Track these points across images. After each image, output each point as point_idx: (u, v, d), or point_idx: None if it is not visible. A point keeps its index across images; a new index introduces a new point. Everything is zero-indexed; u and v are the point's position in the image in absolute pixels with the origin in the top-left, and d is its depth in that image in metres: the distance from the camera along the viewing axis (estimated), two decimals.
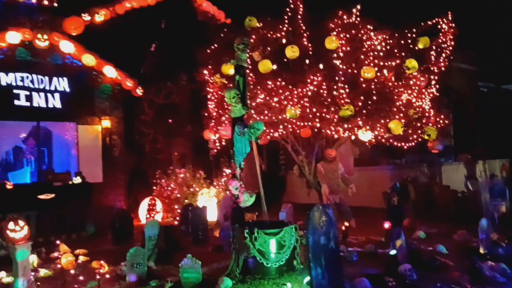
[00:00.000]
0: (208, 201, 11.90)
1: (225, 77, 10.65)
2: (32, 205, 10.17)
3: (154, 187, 12.95)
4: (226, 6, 15.38)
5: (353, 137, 10.85)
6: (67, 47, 11.45)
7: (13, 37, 10.65)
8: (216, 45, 11.17)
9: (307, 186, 12.17)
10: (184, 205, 11.05)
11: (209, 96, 11.56)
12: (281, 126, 10.70)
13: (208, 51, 11.23)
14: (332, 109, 9.85)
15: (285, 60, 10.08)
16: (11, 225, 6.33)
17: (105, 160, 12.46)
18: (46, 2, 14.13)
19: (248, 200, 6.79)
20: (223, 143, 11.96)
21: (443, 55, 10.88)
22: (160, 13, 14.49)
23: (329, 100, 9.94)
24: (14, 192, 10.42)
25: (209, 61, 11.22)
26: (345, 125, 10.03)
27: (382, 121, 9.87)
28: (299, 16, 10.49)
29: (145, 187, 13.48)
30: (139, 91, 12.83)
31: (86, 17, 12.43)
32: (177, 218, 11.62)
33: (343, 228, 8.61)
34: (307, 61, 10.10)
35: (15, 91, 11.01)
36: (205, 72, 11.43)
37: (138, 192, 13.35)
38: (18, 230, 6.33)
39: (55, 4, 14.24)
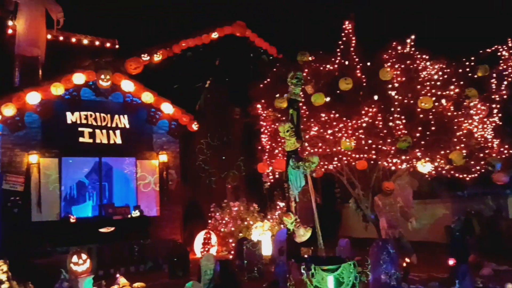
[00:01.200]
0: (262, 235, 11.81)
1: (278, 111, 10.74)
2: (93, 239, 10.53)
3: (209, 221, 13.05)
4: (278, 42, 15.69)
5: (411, 169, 10.52)
6: (127, 86, 12.02)
7: (79, 78, 11.33)
8: (268, 80, 11.35)
9: (364, 219, 11.84)
10: (238, 239, 11.03)
11: (262, 130, 11.67)
12: (335, 159, 10.57)
13: (261, 85, 11.42)
14: (389, 140, 9.64)
15: (338, 92, 10.05)
16: (74, 258, 6.57)
17: (162, 193, 12.75)
18: (108, 45, 15.14)
19: (303, 235, 6.68)
20: (277, 176, 11.95)
21: (505, 82, 10.45)
22: (214, 51, 15.00)
23: (385, 131, 9.75)
24: (77, 225, 10.88)
25: (262, 96, 11.38)
26: (403, 157, 9.77)
27: (442, 152, 9.52)
28: (352, 48, 10.49)
29: (200, 220, 13.61)
30: (195, 126, 13.17)
31: (145, 57, 13.10)
32: (232, 252, 11.61)
33: (404, 264, 8.24)
34: (361, 93, 10.01)
35: (79, 128, 11.62)
36: (258, 106, 11.60)
37: (193, 225, 13.49)
38: (81, 264, 6.56)
39: (117, 46, 15.25)
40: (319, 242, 6.88)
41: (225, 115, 15.10)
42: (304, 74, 9.72)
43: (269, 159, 11.47)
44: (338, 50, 10.59)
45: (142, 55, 13.24)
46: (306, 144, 9.67)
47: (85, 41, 14.83)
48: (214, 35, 14.98)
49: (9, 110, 10.39)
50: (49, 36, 13.86)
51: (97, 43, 15.01)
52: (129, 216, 11.62)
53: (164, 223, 12.53)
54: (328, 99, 9.94)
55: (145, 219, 11.82)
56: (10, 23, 13.25)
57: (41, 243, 9.90)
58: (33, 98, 10.70)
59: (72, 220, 10.91)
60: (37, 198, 10.78)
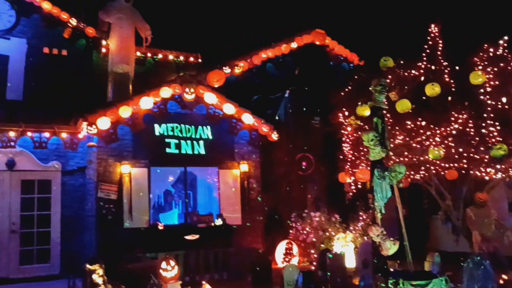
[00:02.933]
0: (345, 246, 11.55)
1: (360, 119, 10.50)
2: (179, 245, 10.94)
3: (290, 230, 13.02)
4: (359, 48, 15.40)
5: (507, 179, 9.76)
6: (210, 98, 12.41)
7: (166, 92, 11.90)
8: (350, 88, 11.14)
9: (454, 232, 11.16)
10: (320, 250, 10.87)
11: (343, 139, 11.46)
12: (423, 168, 10.09)
13: (342, 93, 11.24)
14: (481, 148, 9.03)
15: (425, 98, 9.61)
16: (163, 264, 6.86)
17: (243, 203, 12.95)
18: (192, 59, 15.78)
19: (391, 248, 6.43)
20: (359, 186, 11.65)
21: None
22: (293, 60, 15.05)
23: (477, 139, 9.16)
24: (165, 232, 11.36)
25: (344, 104, 11.20)
26: (498, 166, 9.09)
27: None
28: (439, 52, 10.01)
29: (280, 230, 13.62)
30: (274, 136, 13.26)
31: (227, 69, 13.47)
32: (314, 263, 11.46)
33: (501, 281, 7.63)
34: (449, 98, 9.50)
35: (166, 140, 12.17)
36: (340, 114, 11.42)
37: (274, 235, 13.53)
38: (169, 270, 6.83)
39: (199, 60, 15.84)
40: (408, 256, 6.59)
41: (305, 124, 15.03)
42: (388, 80, 9.42)
43: (351, 168, 11.22)
44: (424, 54, 10.16)
45: (224, 68, 13.63)
46: (392, 153, 9.32)
47: (171, 57, 15.58)
48: (293, 44, 15.04)
49: (104, 124, 11.15)
50: (138, 53, 14.78)
51: (181, 58, 15.71)
52: (212, 224, 11.95)
53: (246, 232, 12.70)
54: (413, 105, 9.54)
55: (228, 228, 12.06)
56: (104, 42, 14.26)
57: (132, 249, 10.45)
58: (125, 112, 11.39)
59: (160, 227, 11.43)
60: (128, 206, 11.42)
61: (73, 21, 13.82)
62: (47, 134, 11.66)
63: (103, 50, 14.33)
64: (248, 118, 12.84)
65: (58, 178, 11.75)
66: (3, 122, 11.35)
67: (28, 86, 13.33)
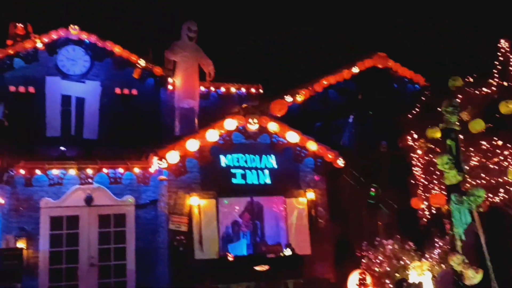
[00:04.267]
0: (421, 275, 10.95)
1: (431, 141, 10.11)
2: (249, 276, 10.92)
3: (362, 260, 12.58)
4: (423, 69, 15.01)
5: None
6: (273, 127, 12.53)
7: (230, 124, 12.16)
8: (417, 109, 10.82)
9: None
10: (396, 280, 10.40)
11: (414, 162, 11.06)
12: (502, 190, 9.48)
13: (410, 116, 10.93)
14: None
15: (499, 116, 9.11)
16: None
17: (312, 231, 12.75)
18: (253, 90, 16.10)
19: (474, 277, 6.05)
20: (433, 212, 11.11)
21: None
22: (356, 85, 14.92)
23: None
24: (234, 263, 11.37)
25: (412, 126, 10.87)
26: None
27: None
28: (511, 68, 9.51)
29: (351, 259, 13.20)
30: (340, 162, 13.06)
31: (289, 98, 13.59)
32: None
33: None
34: None
35: (232, 170, 12.36)
36: (408, 137, 11.07)
37: (344, 265, 13.12)
38: None
39: (261, 91, 16.13)
40: (493, 286, 6.15)
41: (372, 149, 14.69)
42: (458, 100, 9.04)
43: (424, 193, 10.76)
44: (494, 71, 9.69)
45: (285, 97, 13.75)
46: (467, 176, 8.85)
47: (233, 89, 15.98)
48: (355, 69, 14.94)
49: (173, 158, 11.54)
50: (202, 88, 15.30)
51: (243, 89, 16.08)
52: (281, 254, 11.82)
53: (315, 262, 12.44)
54: (488, 124, 9.06)
55: (297, 257, 11.87)
56: (170, 80, 14.93)
57: (204, 280, 10.57)
58: (192, 145, 11.75)
59: (230, 258, 11.47)
60: (199, 237, 11.62)
61: (142, 62, 14.63)
62: (121, 170, 12.22)
63: (170, 87, 14.98)
64: (312, 145, 12.78)
65: (132, 212, 12.23)
66: (81, 160, 12.05)
67: (102, 125, 14.20)
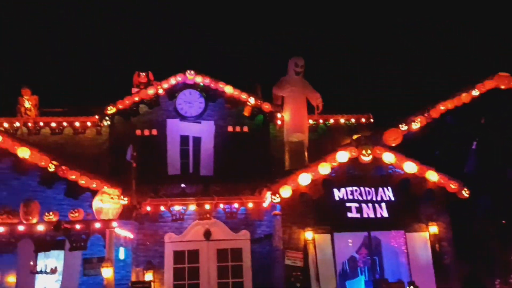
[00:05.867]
0: None
1: None
2: None
3: None
4: None
5: None
6: (388, 158, 12.04)
7: (343, 156, 11.94)
8: None
9: None
10: None
11: None
12: None
13: None
14: None
15: None
16: None
17: (436, 269, 11.82)
18: (363, 120, 15.75)
19: None
20: None
21: None
22: (476, 109, 13.86)
23: None
24: None
25: None
26: None
27: None
28: None
29: None
30: (465, 193, 12.07)
31: (403, 127, 13.01)
32: None
33: None
34: None
35: (347, 204, 12.04)
36: None
37: None
38: None
39: (371, 120, 15.72)
40: None
41: (499, 177, 13.40)
42: None
43: None
44: None
45: (400, 125, 13.18)
46: None
47: (342, 120, 15.81)
48: (475, 92, 13.91)
49: (286, 192, 11.58)
50: (310, 121, 15.34)
51: (352, 120, 15.82)
52: None
53: None
54: None
55: None
56: (279, 115, 15.20)
57: None
58: (304, 179, 11.71)
59: None
60: (315, 273, 11.38)
61: (252, 100, 15.13)
62: (236, 205, 12.56)
63: (279, 122, 15.25)
64: (432, 176, 12.01)
65: (247, 246, 12.43)
66: (199, 196, 12.62)
67: (217, 162, 14.83)
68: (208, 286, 12.01)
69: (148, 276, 11.77)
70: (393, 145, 12.77)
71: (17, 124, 14.55)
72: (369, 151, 11.93)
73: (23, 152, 11.48)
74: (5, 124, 14.44)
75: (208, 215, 12.44)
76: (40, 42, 30.11)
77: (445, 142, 13.59)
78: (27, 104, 14.92)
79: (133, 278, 11.73)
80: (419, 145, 12.90)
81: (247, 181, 13.32)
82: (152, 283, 11.59)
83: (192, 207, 12.41)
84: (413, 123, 13.02)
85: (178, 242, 12.33)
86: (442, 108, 13.45)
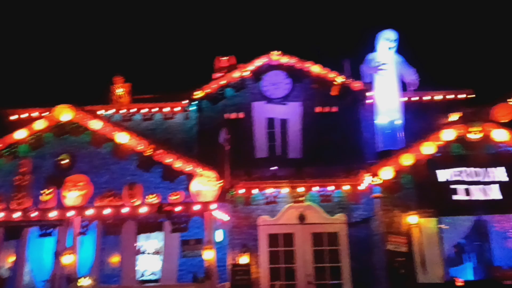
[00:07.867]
0: None
1: None
2: None
3: None
4: None
5: None
6: (500, 135, 11.02)
7: (448, 134, 11.10)
8: None
9: None
10: None
11: None
12: None
13: None
14: None
15: None
16: None
17: None
18: (462, 96, 14.55)
19: None
20: None
21: None
22: None
23: None
24: None
25: None
26: None
27: None
28: None
29: None
30: None
31: None
32: None
33: None
34: None
35: (452, 186, 11.19)
36: None
37: None
38: None
39: (473, 95, 14.49)
40: None
41: None
42: None
43: None
44: None
45: (509, 100, 12.03)
46: None
47: (439, 97, 14.73)
48: None
49: (387, 174, 10.98)
50: (404, 99, 14.42)
51: (450, 96, 14.70)
52: None
53: None
54: None
55: None
56: (368, 94, 14.43)
57: None
58: (406, 160, 11.03)
59: (459, 284, 10.30)
60: (421, 259, 10.72)
61: (339, 79, 14.50)
62: (330, 188, 12.12)
63: (369, 101, 14.48)
64: None
65: (344, 230, 11.97)
66: (291, 179, 12.29)
67: (305, 144, 14.38)
68: (304, 270, 11.72)
69: (244, 259, 11.68)
70: (503, 121, 11.66)
71: (112, 111, 14.96)
72: (479, 128, 10.95)
73: (123, 137, 11.72)
74: (100, 112, 14.89)
75: (301, 198, 12.12)
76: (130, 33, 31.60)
77: None
78: (120, 91, 15.30)
79: (230, 261, 11.69)
80: None
81: (339, 163, 12.80)
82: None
83: (285, 190, 12.15)
84: None
85: (271, 225, 12.13)
86: None
